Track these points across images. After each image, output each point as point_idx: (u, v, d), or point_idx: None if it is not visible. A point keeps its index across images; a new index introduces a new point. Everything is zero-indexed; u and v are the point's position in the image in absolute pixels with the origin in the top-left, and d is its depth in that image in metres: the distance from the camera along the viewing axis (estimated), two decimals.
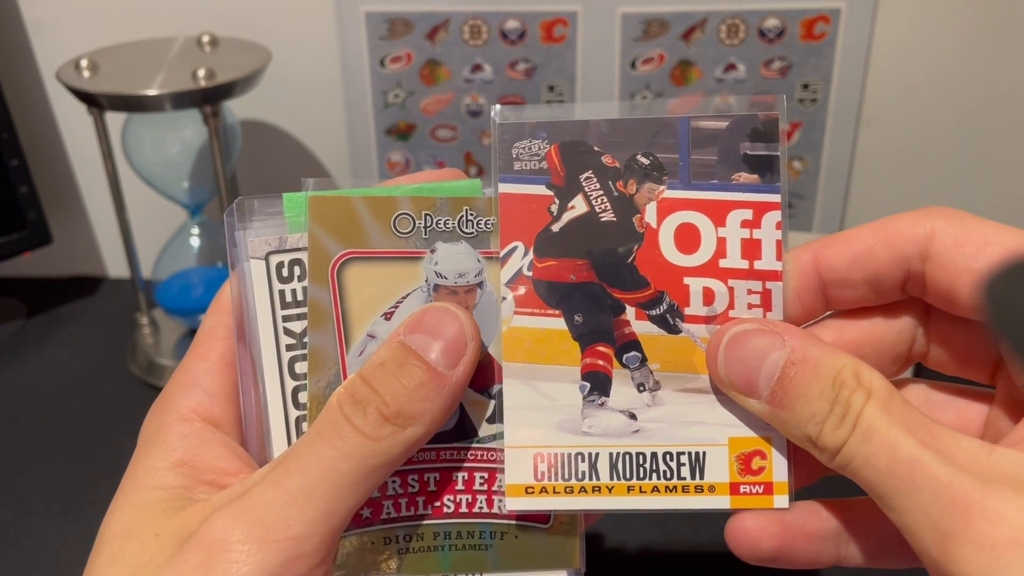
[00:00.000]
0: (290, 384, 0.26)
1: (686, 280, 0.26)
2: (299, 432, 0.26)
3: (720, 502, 0.26)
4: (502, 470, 0.27)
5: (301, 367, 0.26)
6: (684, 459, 0.26)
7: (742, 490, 0.26)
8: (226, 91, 0.61)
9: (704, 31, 0.70)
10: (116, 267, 0.85)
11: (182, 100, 0.60)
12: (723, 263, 0.26)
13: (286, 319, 0.26)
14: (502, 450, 0.27)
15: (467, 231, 0.27)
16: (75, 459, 0.62)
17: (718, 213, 0.26)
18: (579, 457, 0.26)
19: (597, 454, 0.26)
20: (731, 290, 0.26)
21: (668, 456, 0.26)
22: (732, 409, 0.26)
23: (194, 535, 0.23)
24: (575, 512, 0.27)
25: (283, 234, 0.27)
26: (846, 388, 0.23)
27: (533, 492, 0.26)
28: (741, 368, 0.25)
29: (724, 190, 0.26)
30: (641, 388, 0.27)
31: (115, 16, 0.73)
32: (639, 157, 0.27)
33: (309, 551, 0.23)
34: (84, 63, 0.62)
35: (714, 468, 0.26)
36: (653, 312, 0.27)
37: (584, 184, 0.27)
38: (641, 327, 0.27)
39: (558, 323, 0.26)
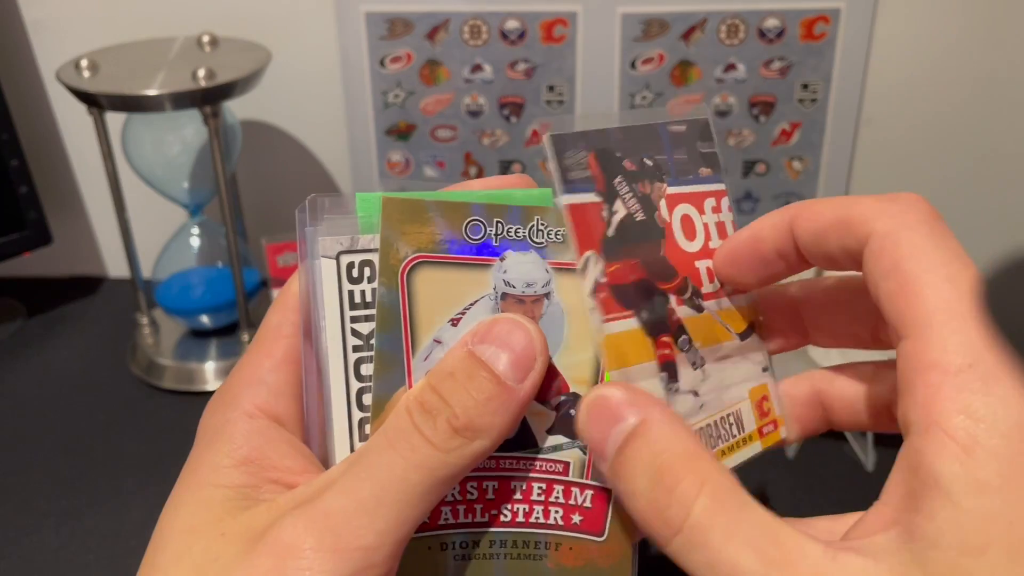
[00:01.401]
0: (355, 385, 0.26)
1: (696, 264, 0.29)
2: (362, 434, 0.26)
3: (755, 448, 0.29)
4: (560, 481, 0.27)
5: (367, 369, 0.26)
6: (731, 418, 0.29)
7: (764, 431, 0.29)
8: (226, 91, 0.61)
9: (704, 31, 0.70)
10: (116, 267, 0.85)
11: (182, 100, 0.60)
12: (711, 244, 0.29)
13: (354, 320, 0.26)
14: (560, 461, 0.27)
15: (537, 240, 0.27)
16: (75, 459, 0.62)
17: (699, 203, 0.30)
18: None
19: None
20: None
21: (723, 420, 0.29)
22: (744, 365, 0.30)
23: (264, 538, 0.23)
24: None
25: (355, 234, 0.26)
26: (671, 471, 0.22)
27: None
28: (596, 432, 0.24)
29: (697, 183, 0.30)
30: (695, 366, 0.28)
31: (115, 16, 0.73)
32: (645, 160, 0.29)
33: (378, 561, 0.23)
34: (84, 63, 0.62)
35: (747, 419, 0.29)
36: (685, 296, 0.29)
37: (618, 188, 0.28)
38: (681, 311, 0.28)
39: (631, 323, 0.27)
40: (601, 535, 0.27)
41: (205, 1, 0.72)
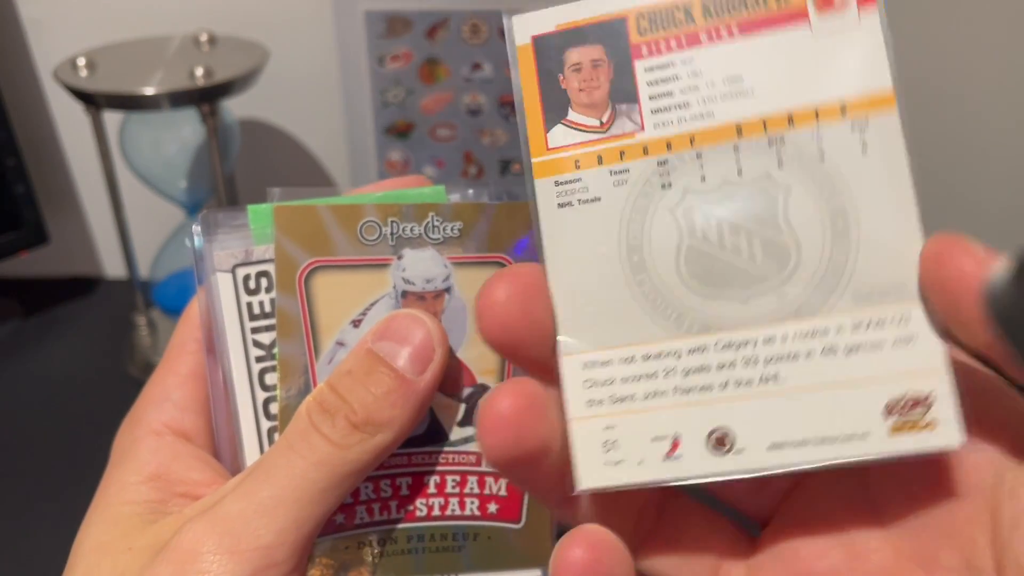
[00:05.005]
0: (261, 395, 0.27)
1: None
2: (271, 443, 0.27)
3: None
4: (473, 472, 0.27)
5: (271, 378, 0.27)
6: None
7: None
8: (224, 90, 0.61)
9: None
10: (113, 267, 0.85)
11: (180, 99, 0.59)
12: None
13: (255, 331, 0.27)
14: (473, 452, 0.27)
15: (433, 237, 0.27)
16: (72, 459, 0.61)
17: None
18: None
19: None
20: None
21: None
22: None
23: (166, 547, 0.23)
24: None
25: (249, 246, 0.27)
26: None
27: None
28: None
29: None
30: None
31: (113, 15, 0.73)
32: None
33: (280, 560, 0.23)
34: (81, 62, 0.62)
35: None
36: None
37: None
38: None
39: None
40: (518, 522, 0.28)
41: (203, 0, 0.72)
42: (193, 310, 0.28)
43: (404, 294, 0.27)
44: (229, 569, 0.22)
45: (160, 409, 0.27)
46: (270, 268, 0.27)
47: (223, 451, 0.27)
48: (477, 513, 0.27)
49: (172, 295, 0.72)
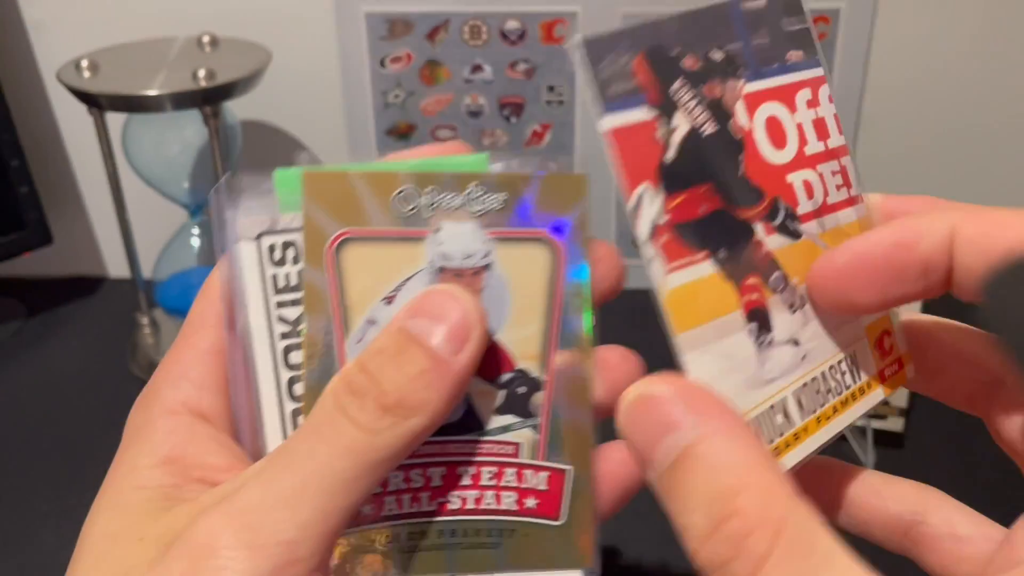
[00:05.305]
0: (285, 375, 0.25)
1: (788, 178, 0.24)
2: (295, 426, 0.25)
3: (878, 395, 0.25)
4: (511, 463, 0.25)
5: (297, 357, 0.25)
6: (844, 366, 0.25)
7: (885, 374, 0.25)
8: (226, 91, 0.61)
9: None
10: (116, 267, 0.85)
11: (182, 100, 0.60)
12: (807, 150, 0.24)
13: (280, 305, 0.25)
14: (510, 442, 0.25)
15: (474, 209, 0.25)
16: (75, 459, 0.62)
17: (789, 98, 0.24)
18: (772, 410, 0.23)
19: (785, 399, 0.24)
20: (821, 176, 0.24)
21: (833, 370, 0.25)
22: None
23: (179, 539, 0.21)
24: (793, 468, 0.24)
25: (275, 214, 0.24)
26: (740, 517, 0.18)
27: None
28: (641, 438, 0.21)
29: (785, 72, 0.24)
30: (793, 308, 0.24)
31: (115, 16, 0.73)
32: (713, 53, 0.23)
33: (303, 555, 0.21)
34: (84, 63, 0.62)
35: (865, 363, 0.25)
36: (775, 223, 0.24)
37: (678, 96, 0.22)
38: (773, 242, 0.23)
39: (705, 268, 0.23)
40: (559, 519, 0.26)
41: (205, 1, 0.72)
42: (214, 282, 0.26)
43: (441, 270, 0.25)
44: (248, 566, 0.21)
45: (177, 387, 0.25)
46: (297, 238, 0.24)
47: (243, 434, 0.25)
48: (514, 508, 0.25)
49: (175, 295, 0.72)
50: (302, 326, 0.24)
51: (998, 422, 0.24)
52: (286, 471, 0.22)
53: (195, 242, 0.73)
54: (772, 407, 0.23)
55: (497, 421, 0.25)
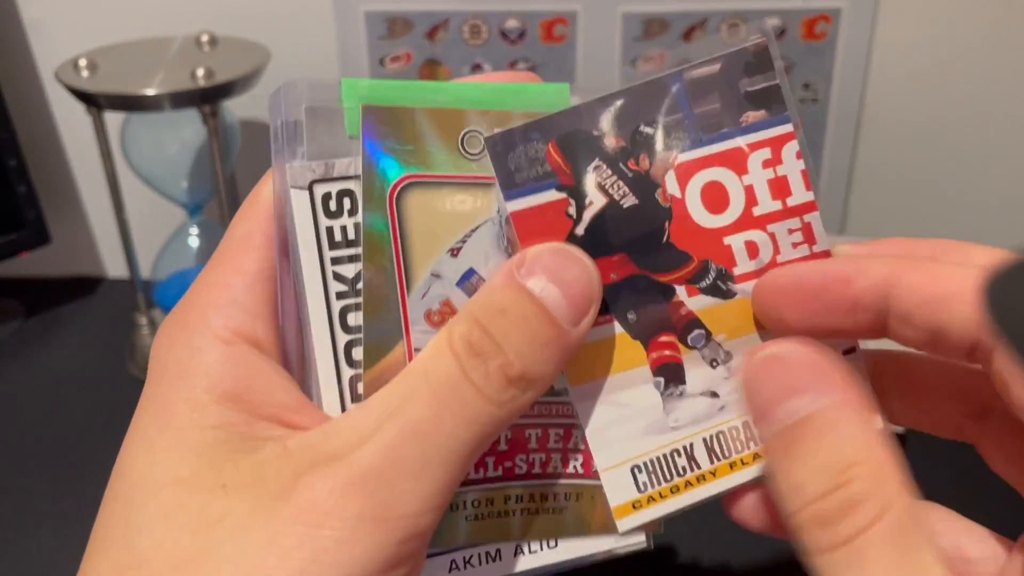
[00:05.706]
0: (343, 338, 0.22)
1: (726, 240, 0.25)
2: (354, 394, 0.22)
3: None
4: (577, 426, 0.24)
5: (355, 319, 0.22)
6: None
7: None
8: (225, 91, 0.61)
9: (705, 30, 0.70)
10: (115, 267, 0.85)
11: (181, 100, 0.60)
12: (756, 211, 0.25)
13: (335, 261, 0.22)
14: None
15: None
16: (74, 459, 0.61)
17: (737, 162, 0.25)
18: (675, 454, 0.25)
19: (692, 444, 0.25)
20: (772, 235, 0.25)
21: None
22: None
23: (288, 500, 0.19)
24: (688, 508, 0.25)
25: (330, 158, 0.22)
26: (856, 485, 0.19)
27: (640, 506, 0.25)
28: (762, 396, 0.21)
29: (736, 136, 0.25)
30: (714, 364, 0.25)
31: (114, 15, 0.73)
32: (642, 128, 0.24)
33: (423, 530, 0.20)
34: (83, 63, 0.62)
35: None
36: (703, 284, 0.25)
37: (595, 175, 0.24)
38: (696, 303, 0.25)
39: (613, 328, 0.24)
40: None
41: (204, 0, 0.72)
42: (259, 199, 0.23)
43: (510, 220, 0.23)
44: (375, 540, 0.19)
45: (226, 313, 0.22)
46: (354, 186, 0.22)
47: (291, 371, 0.22)
48: (581, 471, 0.24)
49: (173, 295, 0.72)
50: (360, 284, 0.22)
51: (990, 451, 0.24)
52: (410, 438, 0.20)
53: (194, 242, 0.72)
54: (675, 451, 0.25)
55: (562, 381, 0.24)
